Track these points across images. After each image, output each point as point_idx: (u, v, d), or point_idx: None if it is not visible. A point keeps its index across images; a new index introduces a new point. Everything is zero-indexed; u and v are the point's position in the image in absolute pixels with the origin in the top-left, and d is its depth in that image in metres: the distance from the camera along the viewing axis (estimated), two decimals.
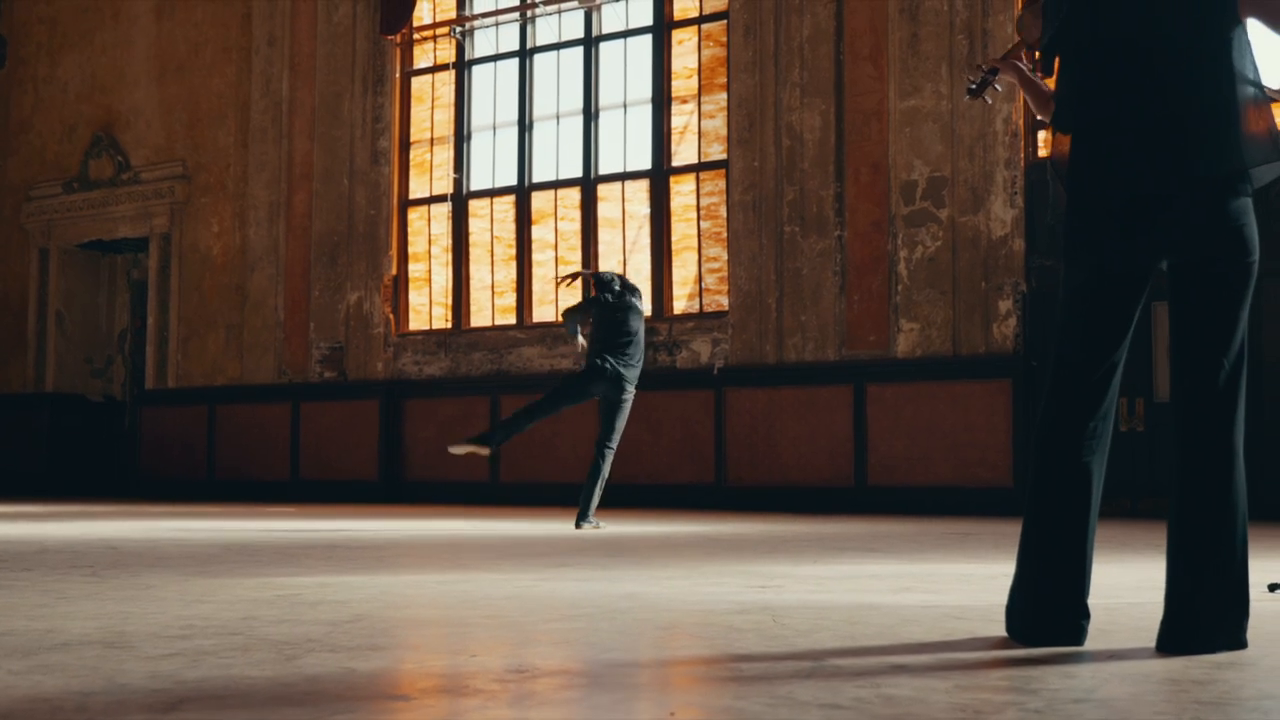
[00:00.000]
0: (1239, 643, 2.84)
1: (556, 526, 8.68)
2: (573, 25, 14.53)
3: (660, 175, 13.67)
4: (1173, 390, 3.02)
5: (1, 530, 7.71)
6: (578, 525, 8.43)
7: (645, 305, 9.23)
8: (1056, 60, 3.14)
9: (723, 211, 13.27)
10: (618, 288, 9.00)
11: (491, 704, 2.11)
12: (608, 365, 8.67)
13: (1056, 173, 3.15)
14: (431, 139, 15.22)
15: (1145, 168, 2.96)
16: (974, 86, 3.58)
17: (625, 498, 12.65)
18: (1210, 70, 2.95)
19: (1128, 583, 4.36)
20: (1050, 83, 3.32)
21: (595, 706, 2.16)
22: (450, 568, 5.05)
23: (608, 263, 13.94)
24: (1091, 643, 2.95)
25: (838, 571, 4.95)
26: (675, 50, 13.83)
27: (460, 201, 14.91)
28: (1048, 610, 2.95)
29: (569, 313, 9.27)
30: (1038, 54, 3.37)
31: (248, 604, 3.63)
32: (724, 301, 13.12)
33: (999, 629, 3.06)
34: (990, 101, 3.63)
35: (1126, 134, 2.99)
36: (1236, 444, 2.92)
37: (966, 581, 4.48)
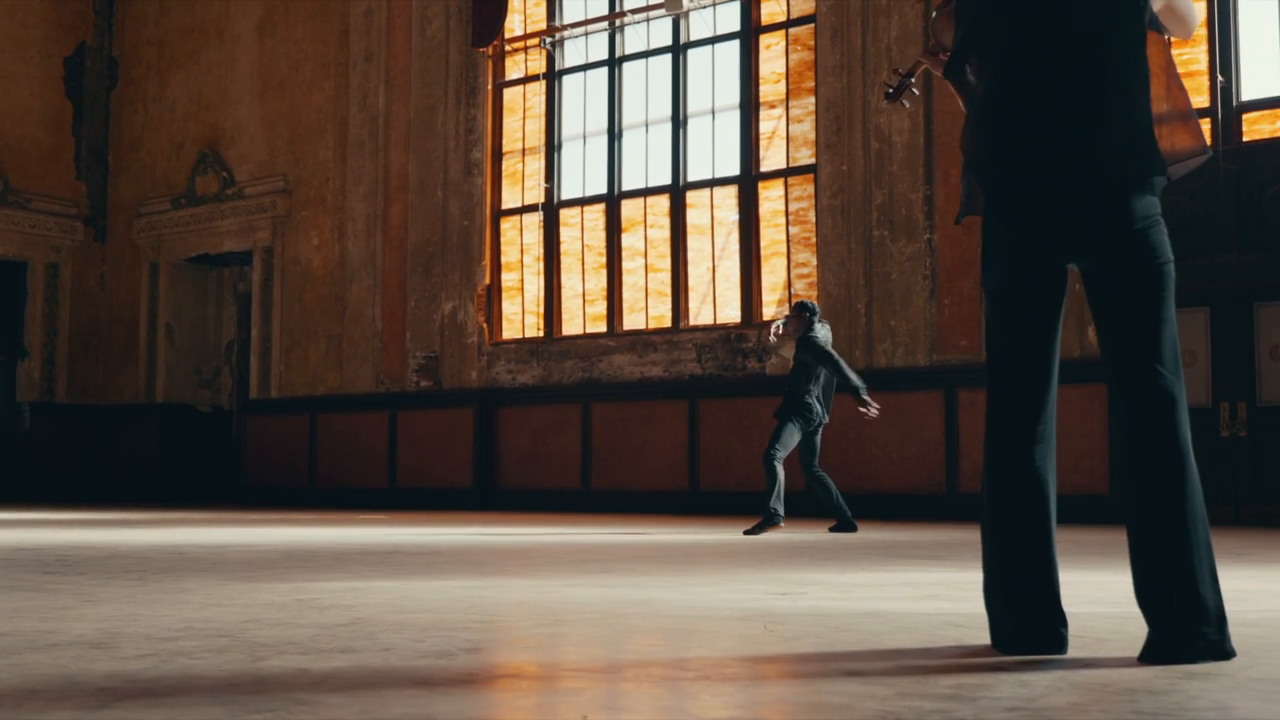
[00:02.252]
0: (1223, 652, 2.75)
1: (634, 533, 8.68)
2: (661, 33, 14.56)
3: (749, 181, 13.63)
4: (1112, 400, 2.94)
5: (88, 537, 7.93)
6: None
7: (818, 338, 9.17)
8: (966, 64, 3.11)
9: (811, 216, 13.18)
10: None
11: (398, 703, 2.13)
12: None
13: (971, 173, 3.09)
14: (523, 149, 15.36)
15: (1056, 170, 2.90)
16: (891, 91, 3.55)
17: (717, 505, 12.65)
18: (1123, 71, 2.90)
19: None
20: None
21: (503, 706, 2.16)
22: (485, 574, 5.08)
23: (697, 269, 13.95)
24: (1086, 651, 2.88)
25: (874, 579, 4.89)
26: (763, 55, 13.78)
27: (551, 210, 15.01)
28: (1024, 620, 2.88)
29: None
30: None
31: (261, 607, 3.69)
32: None
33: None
34: (908, 105, 3.58)
35: (1037, 135, 2.93)
36: (1186, 446, 2.84)
37: None
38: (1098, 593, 4.19)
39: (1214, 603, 2.77)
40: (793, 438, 8.91)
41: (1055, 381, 3.01)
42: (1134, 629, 3.24)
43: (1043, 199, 2.90)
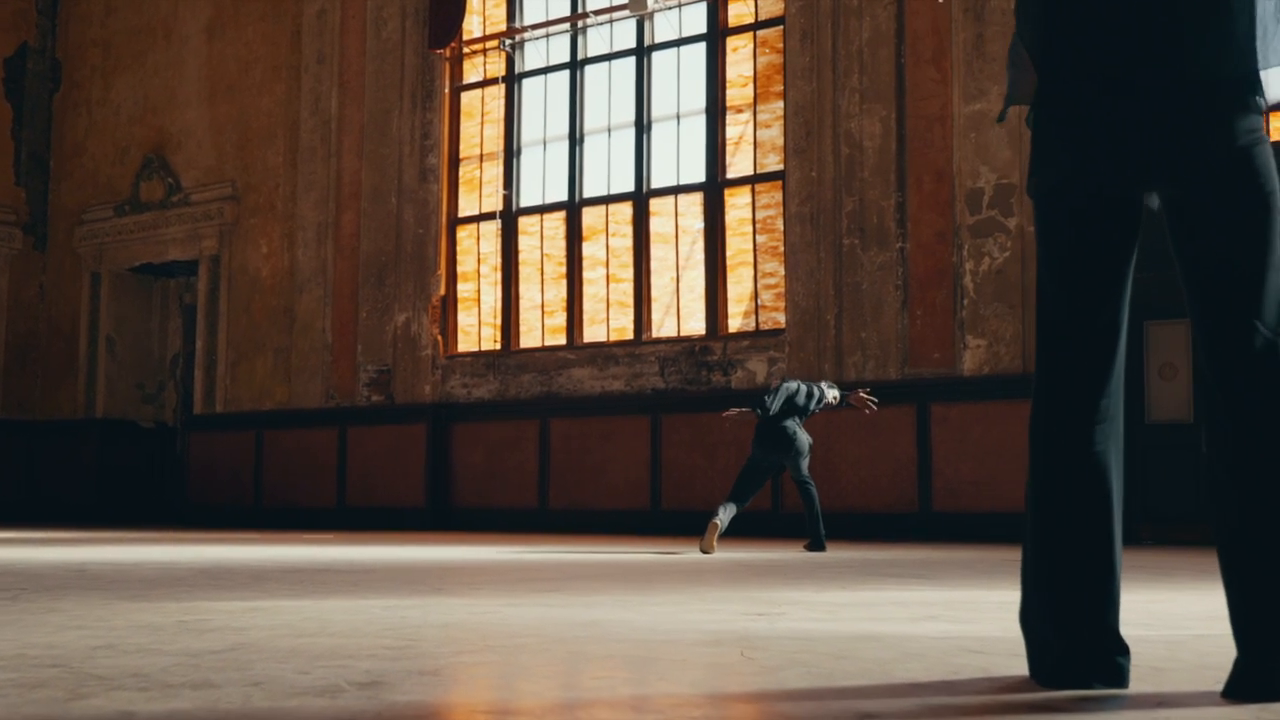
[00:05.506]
0: None
1: (591, 551, 8.07)
2: (624, 35, 14.02)
3: (715, 188, 13.08)
4: (1199, 369, 2.30)
5: None
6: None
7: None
8: None
9: (779, 225, 12.64)
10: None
11: None
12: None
13: (1025, 50, 2.45)
14: (481, 155, 14.76)
15: (1133, 68, 2.27)
16: None
17: (680, 524, 12.04)
18: None
19: (1197, 612, 3.67)
20: None
21: None
22: (415, 593, 4.45)
23: (661, 279, 13.37)
24: (1145, 683, 2.29)
25: (859, 598, 4.29)
26: (730, 58, 13.26)
27: (510, 219, 14.41)
28: (1073, 645, 2.26)
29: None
30: None
31: (131, 630, 3.06)
32: (781, 319, 12.48)
33: (1022, 665, 2.40)
34: None
35: (1109, 26, 2.29)
36: None
37: (1004, 610, 3.79)
38: (1129, 614, 3.60)
39: None
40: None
41: (1123, 342, 2.39)
42: (1189, 656, 2.66)
43: (1118, 105, 2.28)
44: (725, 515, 8.44)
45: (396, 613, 3.59)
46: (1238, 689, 2.14)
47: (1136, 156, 2.29)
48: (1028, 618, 2.32)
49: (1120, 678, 2.26)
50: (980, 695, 2.16)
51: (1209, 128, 2.24)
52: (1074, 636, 2.26)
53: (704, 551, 8.24)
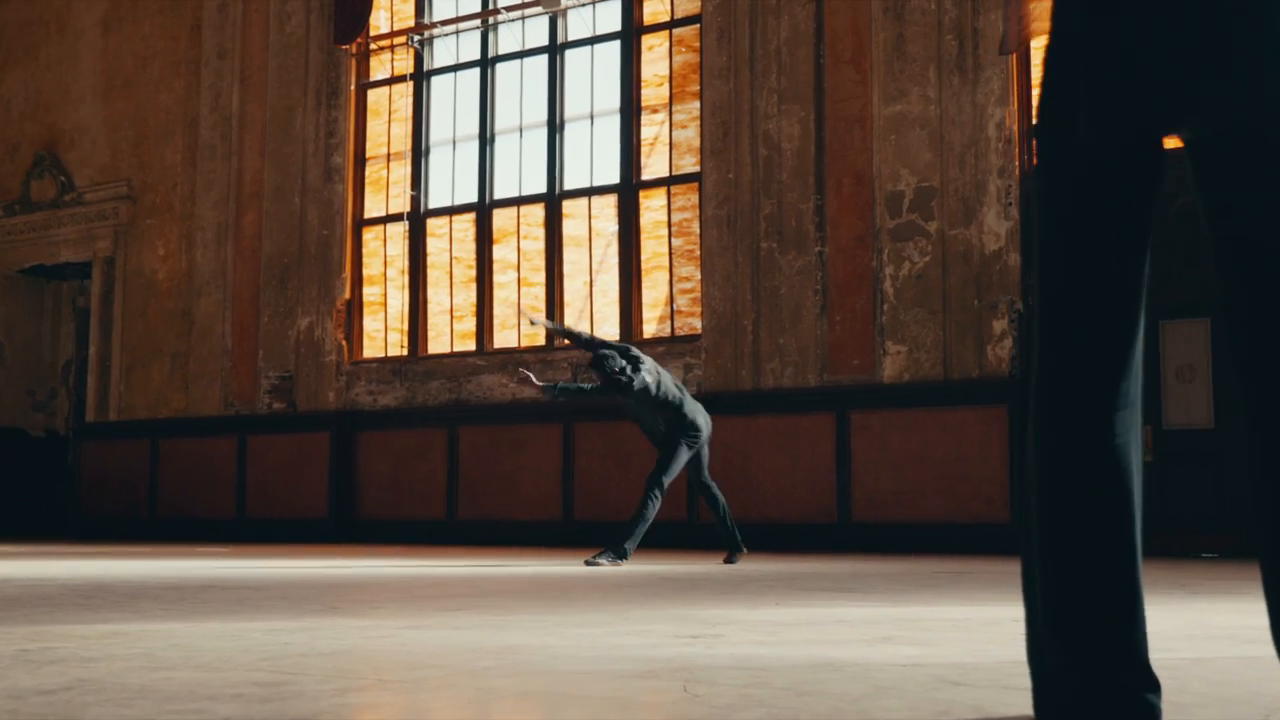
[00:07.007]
0: None
1: (501, 565, 7.65)
2: (537, 32, 13.62)
3: (629, 190, 12.72)
4: (1236, 351, 1.90)
5: None
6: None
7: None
8: None
9: (695, 227, 12.31)
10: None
11: None
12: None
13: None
14: (388, 154, 14.28)
15: None
16: None
17: (592, 535, 11.64)
18: None
19: (1171, 630, 3.34)
20: None
21: None
22: (305, 613, 4.01)
23: (574, 283, 12.97)
24: None
25: (799, 616, 3.92)
26: (645, 57, 12.91)
27: (418, 220, 13.94)
28: (1093, 678, 1.87)
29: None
30: None
31: None
32: (697, 324, 12.15)
33: (1020, 700, 2.04)
34: None
35: None
36: None
37: (963, 630, 3.44)
38: None
39: None
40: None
41: (1142, 317, 2.02)
42: (1201, 686, 2.32)
43: (1148, 28, 1.89)
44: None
45: (279, 638, 3.15)
46: None
47: (1164, 91, 1.91)
48: (1036, 648, 1.93)
49: (1151, 717, 1.87)
50: None
51: (1256, 50, 1.87)
52: (1096, 670, 1.87)
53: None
